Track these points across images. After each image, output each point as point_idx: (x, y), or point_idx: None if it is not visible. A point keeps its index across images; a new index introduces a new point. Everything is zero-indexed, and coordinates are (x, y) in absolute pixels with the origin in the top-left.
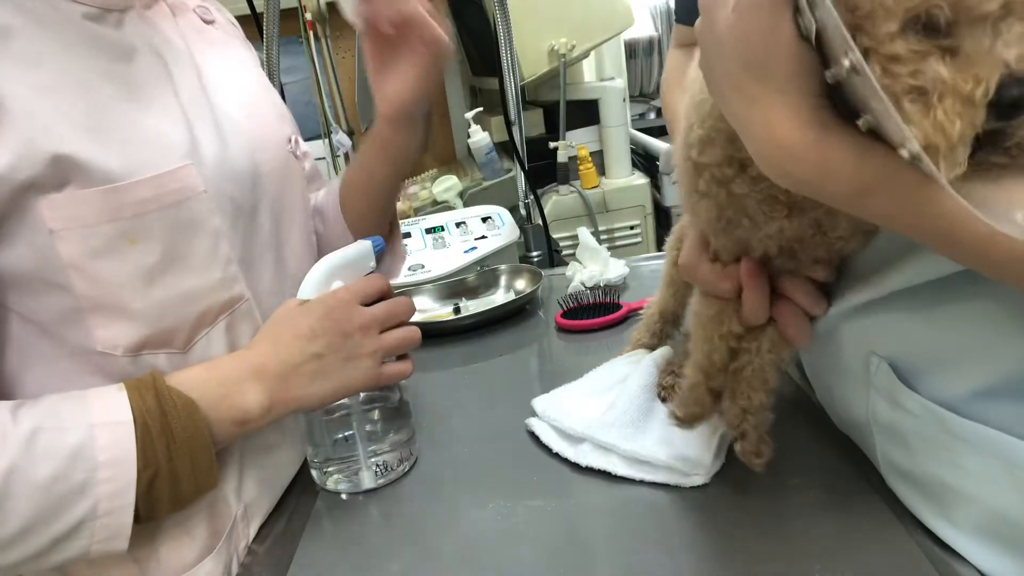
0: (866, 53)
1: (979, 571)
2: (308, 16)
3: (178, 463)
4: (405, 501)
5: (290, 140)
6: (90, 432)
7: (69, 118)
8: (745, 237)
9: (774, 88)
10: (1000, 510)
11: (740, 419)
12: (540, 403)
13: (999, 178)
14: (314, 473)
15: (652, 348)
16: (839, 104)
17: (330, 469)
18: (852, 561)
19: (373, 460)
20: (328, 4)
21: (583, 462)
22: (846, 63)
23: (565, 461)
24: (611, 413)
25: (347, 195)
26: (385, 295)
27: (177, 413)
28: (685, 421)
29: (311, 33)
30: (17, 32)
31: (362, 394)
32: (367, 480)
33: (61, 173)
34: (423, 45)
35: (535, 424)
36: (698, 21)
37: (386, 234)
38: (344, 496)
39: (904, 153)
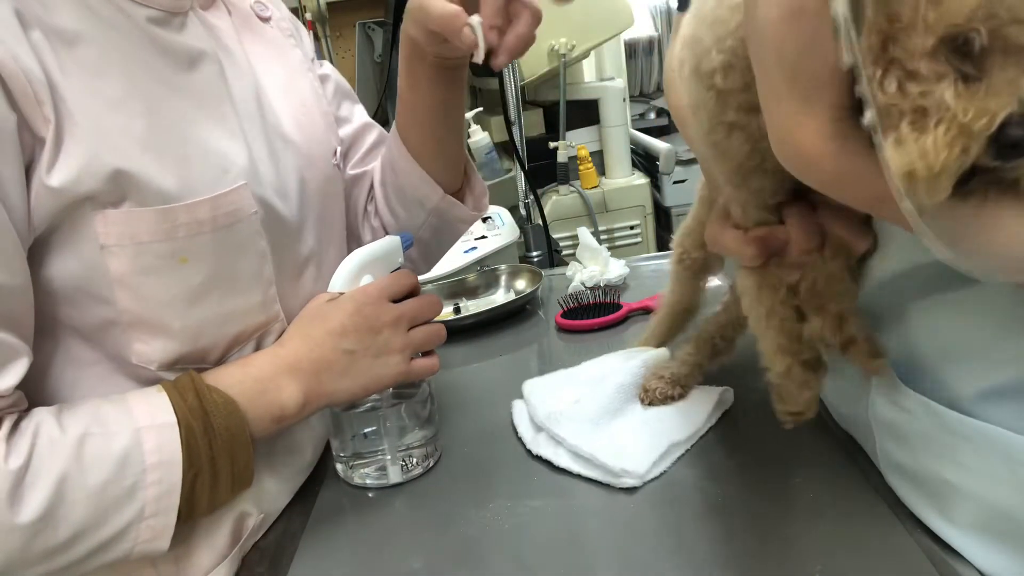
0: (891, 64)
1: (979, 571)
2: (308, 16)
3: (220, 462)
4: (405, 501)
5: (335, 152)
6: (137, 436)
7: (132, 133)
8: (782, 173)
9: (801, 94)
10: (1000, 508)
11: (838, 326)
12: (528, 385)
13: (983, 203)
14: (339, 467)
15: (662, 345)
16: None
17: (357, 463)
18: (852, 560)
19: (401, 454)
20: (328, 4)
21: (535, 450)
22: (846, 59)
23: None
24: (575, 407)
25: (413, 138)
26: (413, 292)
27: (218, 412)
28: (798, 414)
29: (311, 33)
30: (84, 38)
31: (389, 388)
32: (394, 475)
33: (120, 189)
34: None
35: (516, 406)
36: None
37: (464, 162)
38: (371, 494)
39: (865, 120)
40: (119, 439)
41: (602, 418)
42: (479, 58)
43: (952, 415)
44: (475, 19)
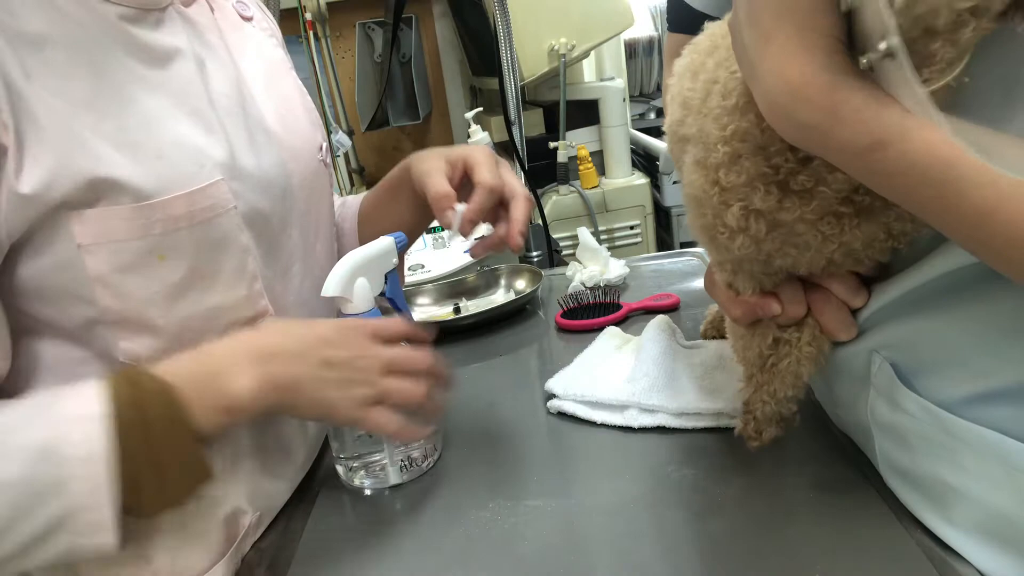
0: None
1: (979, 571)
2: (308, 16)
3: (162, 453)
4: (405, 502)
5: (321, 148)
6: (61, 428)
7: (104, 134)
8: (788, 265)
9: (791, 25)
10: (999, 510)
11: (758, 404)
12: (558, 384)
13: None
14: (339, 469)
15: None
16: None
17: (356, 465)
18: (852, 561)
19: (400, 455)
20: (328, 4)
21: (635, 424)
22: None
23: (564, 459)
24: (645, 380)
25: (368, 220)
26: (407, 339)
27: (153, 401)
28: (757, 442)
29: (311, 33)
30: (51, 40)
31: None
32: (394, 476)
33: (94, 191)
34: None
35: (562, 404)
36: None
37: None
38: (368, 492)
39: (881, 45)
40: (38, 431)
41: (672, 382)
42: (453, 238)
43: (952, 419)
44: (460, 207)
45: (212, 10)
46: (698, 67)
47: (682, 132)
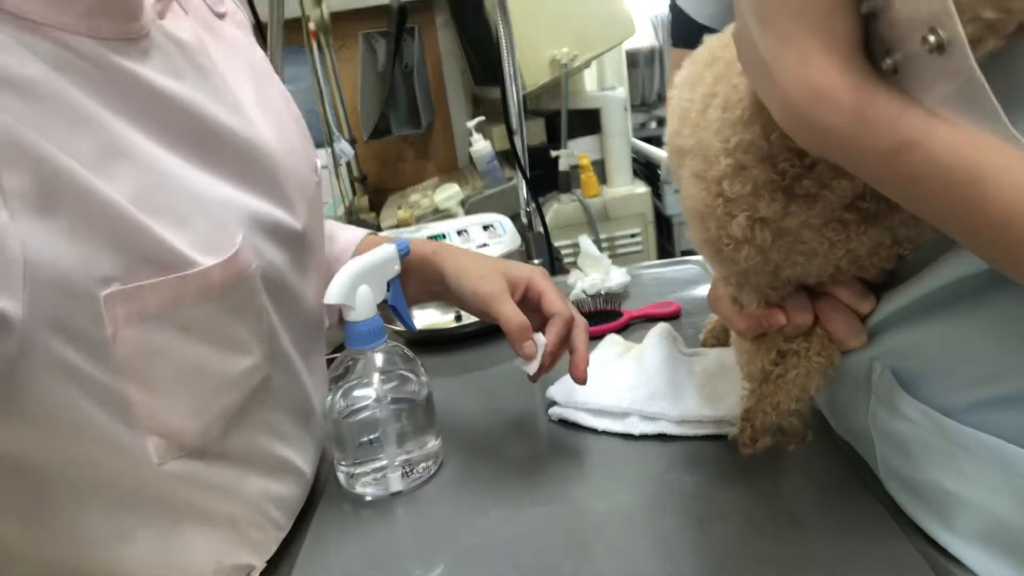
0: None
1: None
2: (312, 26)
3: None
4: (406, 509)
5: (316, 168)
6: None
7: (131, 195)
8: (796, 275)
9: (810, 26)
10: (1001, 518)
11: (759, 414)
12: (559, 391)
13: None
14: (340, 476)
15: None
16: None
17: (357, 472)
18: (853, 569)
19: (401, 462)
20: (331, 15)
21: (636, 431)
22: None
23: (565, 466)
24: (647, 387)
25: None
26: None
27: None
28: (751, 449)
29: (315, 43)
30: (50, 91)
31: (389, 395)
32: (395, 483)
33: (124, 261)
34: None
35: (562, 412)
36: None
37: None
38: (372, 503)
39: (931, 38)
40: None
41: (675, 389)
42: (531, 372)
43: (953, 425)
44: (540, 339)
45: (186, 12)
46: (696, 79)
47: (680, 144)
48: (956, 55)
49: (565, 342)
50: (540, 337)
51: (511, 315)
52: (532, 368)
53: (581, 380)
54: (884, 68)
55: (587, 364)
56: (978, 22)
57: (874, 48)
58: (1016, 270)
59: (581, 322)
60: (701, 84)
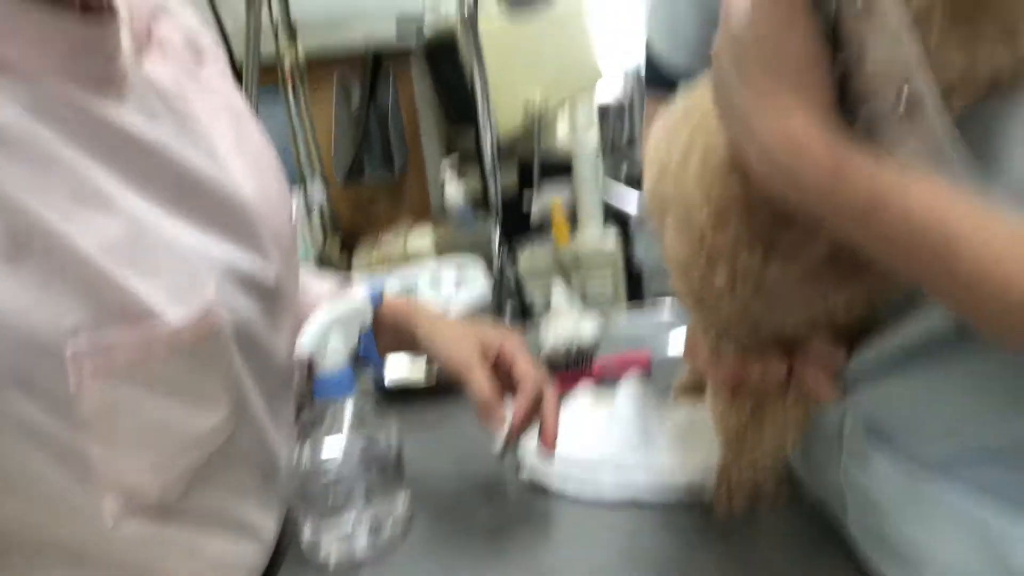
0: None
1: None
2: (287, 68)
3: None
4: (375, 568)
5: (292, 216)
6: None
7: (103, 245)
8: (775, 326)
9: (787, 81)
10: (972, 574)
11: (735, 472)
12: (531, 448)
13: None
14: (304, 542)
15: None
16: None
17: (322, 532)
18: None
19: (368, 520)
20: (307, 58)
21: (607, 496)
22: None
23: (535, 530)
24: (618, 442)
25: None
26: None
27: None
28: (727, 511)
29: (290, 85)
30: (19, 132)
31: (357, 449)
32: (361, 543)
33: (92, 312)
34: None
35: (534, 470)
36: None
37: None
38: (332, 565)
39: (902, 96)
40: None
41: (647, 442)
42: (498, 444)
43: (923, 479)
44: (508, 412)
45: (164, 54)
46: (673, 131)
47: (660, 196)
48: (926, 113)
49: (535, 411)
50: (508, 412)
51: (481, 386)
52: (499, 438)
53: (550, 450)
54: (858, 123)
55: (556, 435)
56: (950, 71)
57: (849, 104)
58: (986, 326)
59: (552, 390)
60: (678, 135)
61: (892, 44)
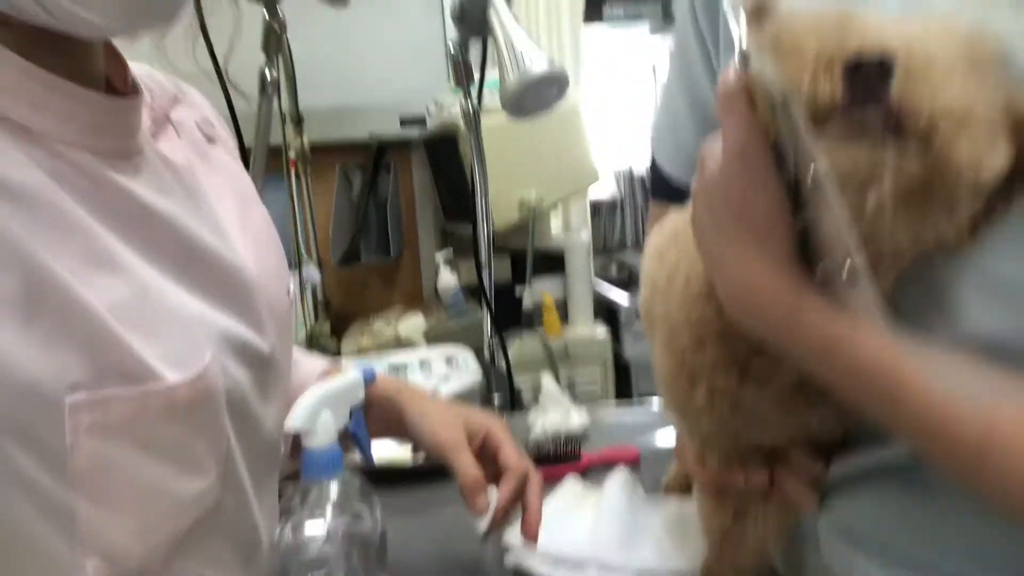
0: None
1: None
2: (292, 155)
3: None
4: None
5: (289, 291)
6: None
7: (111, 305)
8: (755, 439)
9: (751, 233)
10: None
11: (718, 572)
12: (516, 537)
13: None
14: None
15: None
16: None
17: None
18: None
19: None
20: (311, 146)
21: None
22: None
23: None
24: (606, 536)
25: None
26: None
27: None
28: None
29: (293, 171)
30: (41, 195)
31: (341, 531)
32: None
33: (93, 370)
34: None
35: (519, 559)
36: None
37: None
38: None
39: (845, 264)
40: None
41: (635, 536)
42: (483, 527)
43: None
44: (492, 495)
45: (179, 135)
46: (663, 251)
47: (651, 312)
48: (862, 284)
49: (519, 498)
50: (493, 493)
51: (467, 468)
52: (483, 523)
53: (532, 539)
54: (817, 274)
55: (539, 524)
56: (900, 241)
57: (811, 253)
58: (935, 458)
59: (536, 478)
60: (666, 257)
61: (836, 223)
